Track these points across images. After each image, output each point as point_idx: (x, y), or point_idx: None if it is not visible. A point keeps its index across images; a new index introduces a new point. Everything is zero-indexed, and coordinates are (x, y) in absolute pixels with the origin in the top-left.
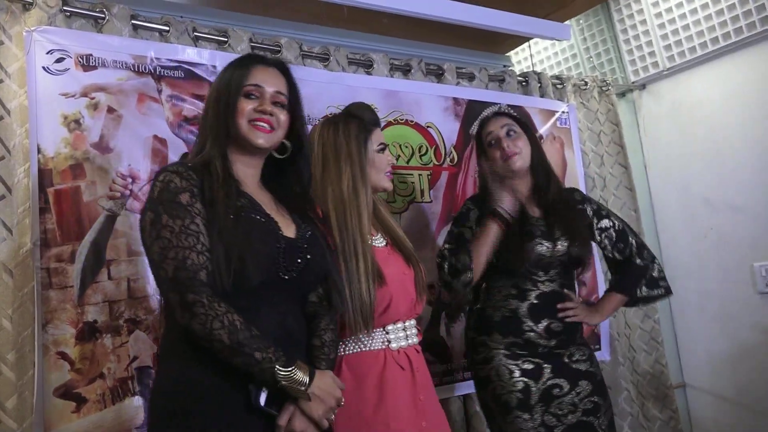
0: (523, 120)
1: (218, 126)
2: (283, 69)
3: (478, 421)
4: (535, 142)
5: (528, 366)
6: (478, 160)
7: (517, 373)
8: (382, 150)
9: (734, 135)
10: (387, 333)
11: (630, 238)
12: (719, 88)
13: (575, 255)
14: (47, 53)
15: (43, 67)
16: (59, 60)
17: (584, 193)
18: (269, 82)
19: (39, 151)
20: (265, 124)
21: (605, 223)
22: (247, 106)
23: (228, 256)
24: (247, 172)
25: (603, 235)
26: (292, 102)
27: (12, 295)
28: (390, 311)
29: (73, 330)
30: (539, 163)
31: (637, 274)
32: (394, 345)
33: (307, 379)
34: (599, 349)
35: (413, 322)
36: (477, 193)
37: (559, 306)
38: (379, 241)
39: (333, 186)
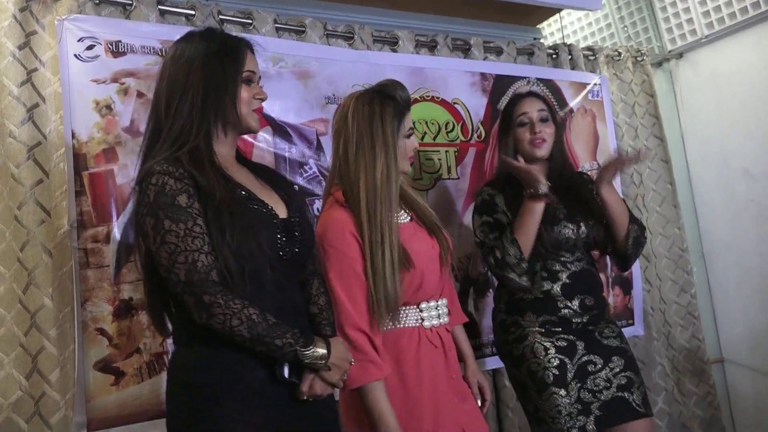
0: (553, 107)
1: (213, 112)
2: (253, 51)
3: (507, 395)
4: (558, 128)
5: (562, 343)
6: (501, 136)
7: (552, 350)
8: (410, 135)
9: None
10: (421, 311)
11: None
12: (760, 56)
13: (598, 238)
14: (78, 41)
15: (75, 55)
16: (90, 47)
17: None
18: (255, 67)
19: (73, 136)
20: (260, 111)
21: None
22: (247, 94)
23: (237, 257)
24: (226, 151)
25: None
26: None
27: (52, 275)
28: (423, 288)
29: (110, 307)
30: (558, 150)
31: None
32: (426, 323)
33: (326, 352)
34: (632, 323)
35: (445, 300)
36: (492, 179)
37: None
38: (402, 218)
39: (366, 172)
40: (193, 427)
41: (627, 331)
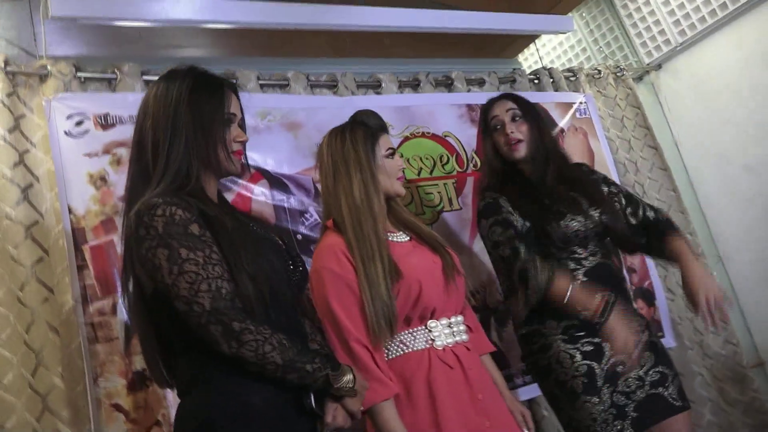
0: (528, 103)
1: (204, 153)
2: (236, 91)
3: (548, 424)
4: (538, 125)
5: (588, 348)
6: (483, 142)
7: (578, 357)
8: (391, 155)
9: (762, 95)
10: (430, 331)
11: (638, 199)
12: (736, 52)
13: (607, 222)
14: (67, 118)
15: (65, 132)
16: (79, 123)
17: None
18: (237, 108)
19: (70, 211)
20: (240, 154)
21: (613, 188)
22: (228, 136)
23: (257, 285)
24: (212, 190)
25: (615, 200)
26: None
27: (60, 353)
28: (423, 302)
29: (124, 380)
30: (540, 147)
31: (666, 222)
32: (438, 343)
33: (352, 377)
34: (662, 336)
35: (460, 318)
36: (488, 184)
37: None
38: (401, 237)
39: (346, 194)
40: None
41: None
